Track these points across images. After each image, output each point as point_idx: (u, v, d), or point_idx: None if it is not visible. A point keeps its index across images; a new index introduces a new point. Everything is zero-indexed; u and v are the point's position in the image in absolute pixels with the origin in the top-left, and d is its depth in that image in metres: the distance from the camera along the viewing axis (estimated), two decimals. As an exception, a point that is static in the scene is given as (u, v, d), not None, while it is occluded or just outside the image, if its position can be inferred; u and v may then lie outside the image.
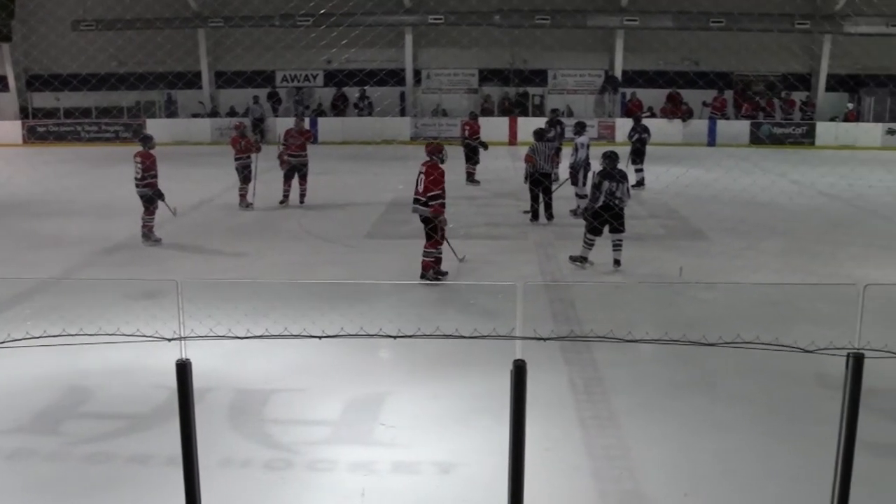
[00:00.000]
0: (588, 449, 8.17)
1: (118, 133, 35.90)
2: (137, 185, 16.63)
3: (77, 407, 9.23)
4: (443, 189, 13.61)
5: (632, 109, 36.34)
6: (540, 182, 18.70)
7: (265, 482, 7.50)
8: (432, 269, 13.80)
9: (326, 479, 7.57)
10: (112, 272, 14.68)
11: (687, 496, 7.25)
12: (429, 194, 13.44)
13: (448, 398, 9.33)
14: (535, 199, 18.80)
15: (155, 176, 16.64)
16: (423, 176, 13.55)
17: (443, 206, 13.59)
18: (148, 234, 16.81)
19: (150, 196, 16.61)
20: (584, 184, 18.92)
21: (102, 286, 13.10)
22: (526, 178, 19.06)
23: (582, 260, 14.86)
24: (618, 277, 14.44)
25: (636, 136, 23.99)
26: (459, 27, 35.98)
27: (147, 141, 16.92)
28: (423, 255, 13.83)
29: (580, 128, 20.44)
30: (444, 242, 14.09)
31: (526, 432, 5.66)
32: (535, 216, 18.88)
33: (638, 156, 23.99)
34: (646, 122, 25.06)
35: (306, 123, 21.92)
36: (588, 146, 19.79)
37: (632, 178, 20.44)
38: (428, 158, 13.75)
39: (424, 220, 13.66)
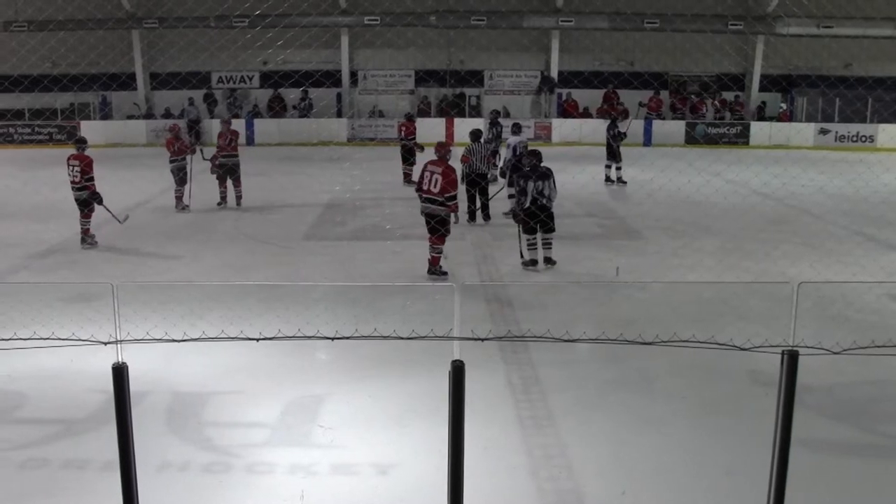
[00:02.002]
0: (526, 448, 8.22)
1: (52, 135, 35.38)
2: (75, 189, 16.48)
3: (11, 412, 9.09)
4: (457, 189, 14.11)
5: (567, 110, 36.68)
6: (476, 183, 18.75)
7: (204, 486, 7.46)
8: (439, 265, 14.22)
9: (265, 481, 7.54)
10: (46, 276, 14.49)
11: (625, 494, 7.30)
12: (446, 195, 13.81)
13: (386, 399, 9.34)
14: (471, 199, 18.85)
15: (92, 179, 16.48)
16: (438, 177, 13.88)
17: (458, 205, 14.15)
18: (85, 236, 16.65)
19: (87, 199, 16.44)
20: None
21: (36, 290, 12.92)
22: (462, 179, 19.08)
23: (533, 262, 14.86)
24: (554, 277, 14.51)
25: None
26: (395, 28, 35.92)
27: (83, 143, 16.79)
28: (431, 252, 14.19)
29: (517, 128, 20.56)
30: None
31: (465, 432, 5.69)
32: (471, 217, 18.91)
33: (610, 153, 24.90)
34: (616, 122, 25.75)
35: (232, 124, 21.69)
36: (516, 146, 19.77)
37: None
38: (438, 158, 14.15)
39: (432, 216, 13.99)
